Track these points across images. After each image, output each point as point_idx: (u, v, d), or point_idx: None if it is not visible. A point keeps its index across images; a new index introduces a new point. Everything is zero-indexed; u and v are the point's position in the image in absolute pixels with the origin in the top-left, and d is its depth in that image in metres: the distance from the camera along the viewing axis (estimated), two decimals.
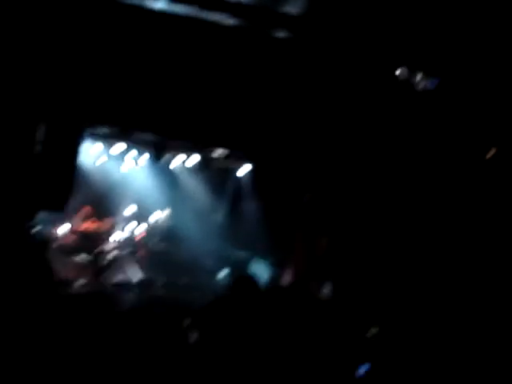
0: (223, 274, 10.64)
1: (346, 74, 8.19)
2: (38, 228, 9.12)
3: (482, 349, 6.11)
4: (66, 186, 8.42)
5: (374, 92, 8.45)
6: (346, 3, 7.05)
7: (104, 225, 11.32)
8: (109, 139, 10.93)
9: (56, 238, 10.50)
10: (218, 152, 11.15)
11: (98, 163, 11.37)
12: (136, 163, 11.65)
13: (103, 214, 11.49)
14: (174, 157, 11.62)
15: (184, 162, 11.63)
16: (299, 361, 5.32)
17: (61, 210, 8.93)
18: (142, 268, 10.79)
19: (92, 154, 11.14)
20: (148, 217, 11.73)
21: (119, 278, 10.27)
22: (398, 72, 8.02)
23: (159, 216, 11.82)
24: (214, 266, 11.04)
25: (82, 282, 9.43)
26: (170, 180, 12.01)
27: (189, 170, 11.79)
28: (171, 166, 11.76)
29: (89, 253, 10.65)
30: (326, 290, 8.90)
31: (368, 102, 8.58)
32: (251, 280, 6.01)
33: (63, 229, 10.67)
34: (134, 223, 11.60)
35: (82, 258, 10.48)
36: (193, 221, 11.65)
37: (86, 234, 11.03)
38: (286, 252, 10.47)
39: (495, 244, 7.91)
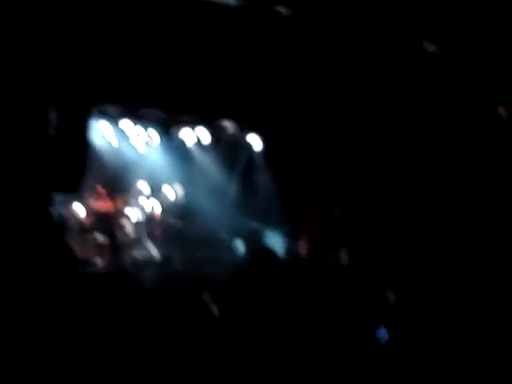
0: (239, 246, 10.71)
1: (350, 42, 8.16)
2: (54, 210, 9.19)
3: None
4: (79, 167, 8.48)
5: (376, 63, 8.42)
6: None
7: (119, 203, 11.38)
8: (120, 117, 10.96)
9: (73, 219, 10.57)
10: (229, 125, 11.17)
11: (109, 142, 11.40)
12: (147, 141, 11.67)
13: (118, 193, 11.54)
14: (185, 132, 11.64)
15: (195, 137, 11.64)
16: (321, 329, 5.39)
17: (75, 192, 9.00)
18: (159, 245, 10.87)
19: (103, 133, 11.16)
20: (162, 194, 11.76)
21: (137, 255, 10.35)
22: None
23: (173, 192, 11.85)
24: (229, 239, 11.11)
25: (100, 261, 9.55)
26: (182, 156, 12.02)
27: (200, 144, 11.80)
28: (182, 142, 11.77)
29: (106, 232, 10.73)
30: (342, 257, 8.96)
31: (371, 72, 8.56)
32: (271, 252, 6.05)
33: (79, 209, 10.74)
34: (149, 201, 11.65)
35: (99, 237, 10.55)
36: (206, 195, 11.68)
37: (102, 213, 11.09)
38: (300, 222, 10.52)
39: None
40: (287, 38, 8.19)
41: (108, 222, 10.94)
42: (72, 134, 8.42)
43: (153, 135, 11.61)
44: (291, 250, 10.10)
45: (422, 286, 7.06)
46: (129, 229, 10.89)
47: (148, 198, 11.72)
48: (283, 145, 10.92)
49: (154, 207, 11.71)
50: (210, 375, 4.76)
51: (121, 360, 4.86)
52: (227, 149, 11.94)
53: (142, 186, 11.78)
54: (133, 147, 11.68)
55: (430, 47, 7.96)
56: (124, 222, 11.03)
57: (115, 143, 11.49)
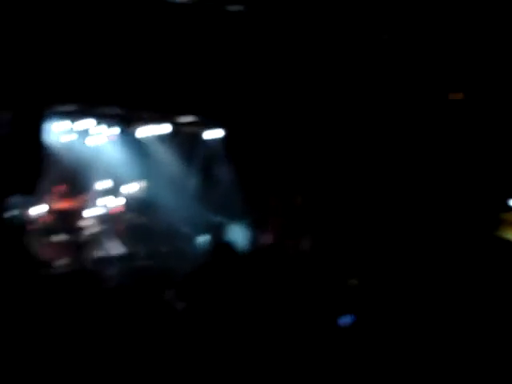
0: (202, 239, 10.72)
1: (303, 34, 8.20)
2: (12, 212, 9.09)
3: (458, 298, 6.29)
4: (35, 167, 8.37)
5: (329, 52, 8.50)
6: None
7: (79, 202, 11.30)
8: (75, 116, 10.83)
9: (32, 220, 10.47)
10: (187, 119, 11.13)
11: (66, 141, 11.28)
12: (105, 137, 11.58)
13: (78, 192, 11.45)
14: (143, 128, 11.58)
15: (153, 131, 11.59)
16: (285, 318, 5.45)
17: (33, 193, 8.89)
18: (122, 241, 10.83)
19: (60, 132, 11.04)
20: (122, 190, 11.70)
21: (100, 253, 10.30)
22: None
23: (133, 188, 11.81)
24: (192, 233, 11.11)
25: (63, 261, 9.47)
26: (141, 151, 11.97)
27: (159, 139, 11.75)
28: (140, 137, 11.71)
29: (67, 231, 10.65)
30: (305, 245, 9.03)
31: (325, 60, 8.63)
32: (229, 246, 6.10)
33: (39, 210, 10.63)
34: (109, 197, 11.59)
35: (61, 237, 10.47)
36: (167, 190, 11.66)
37: (63, 212, 11.00)
38: (262, 213, 10.56)
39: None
40: (239, 33, 8.21)
41: (69, 221, 10.86)
42: (27, 135, 8.32)
43: (111, 132, 11.53)
44: (255, 241, 10.14)
45: (383, 272, 7.18)
46: (91, 227, 10.83)
47: (109, 194, 11.66)
48: (241, 136, 10.93)
49: (116, 204, 11.66)
50: (173, 367, 4.80)
51: (88, 358, 4.86)
52: (186, 142, 11.91)
53: (103, 183, 11.71)
54: (91, 145, 11.58)
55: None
56: (85, 220, 10.96)
57: (73, 142, 11.37)
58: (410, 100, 8.68)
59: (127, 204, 11.71)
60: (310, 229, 9.59)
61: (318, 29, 7.98)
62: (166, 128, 11.40)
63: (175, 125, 11.41)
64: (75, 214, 11.06)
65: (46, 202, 10.77)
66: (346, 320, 5.71)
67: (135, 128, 11.54)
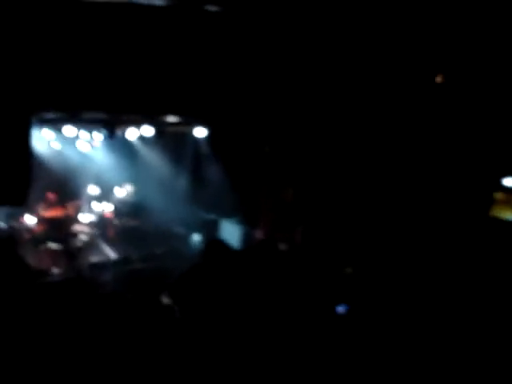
0: (195, 238, 10.73)
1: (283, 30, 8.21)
2: (2, 223, 9.08)
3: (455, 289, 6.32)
4: (23, 178, 8.34)
5: (301, 57, 8.53)
6: None
7: (70, 209, 11.28)
8: (60, 123, 10.80)
9: (24, 230, 10.45)
10: (172, 119, 11.11)
11: (53, 149, 11.26)
12: (91, 143, 11.55)
13: (68, 199, 11.44)
14: (129, 131, 11.55)
15: (139, 134, 11.56)
16: (282, 311, 5.46)
17: (22, 204, 8.86)
18: (115, 245, 10.83)
19: (45, 140, 11.02)
20: (112, 194, 11.69)
21: (94, 259, 10.29)
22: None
23: (123, 192, 11.79)
24: (185, 232, 11.12)
25: (57, 269, 9.46)
26: (129, 155, 11.97)
27: (145, 141, 11.73)
28: (127, 140, 11.69)
29: (60, 239, 10.63)
30: (297, 239, 9.05)
31: (307, 54, 8.63)
32: (222, 244, 6.09)
33: (30, 220, 10.61)
34: (100, 203, 11.58)
35: (54, 245, 10.46)
36: (157, 191, 11.66)
37: (54, 220, 10.98)
38: (254, 208, 10.56)
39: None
40: (219, 33, 8.21)
41: (61, 229, 10.85)
42: (13, 145, 8.28)
43: (97, 138, 11.50)
44: (247, 238, 10.15)
45: (377, 260, 7.19)
46: (83, 233, 10.82)
47: (99, 200, 11.65)
48: (228, 133, 10.93)
49: (107, 208, 11.64)
50: (172, 371, 4.80)
51: (86, 364, 4.87)
52: (173, 143, 11.91)
53: (92, 189, 11.69)
54: (78, 152, 11.56)
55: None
56: (77, 227, 10.95)
57: (60, 149, 11.36)
58: (399, 86, 8.69)
59: (118, 208, 11.70)
60: (302, 222, 9.61)
61: (300, 23, 7.99)
62: (150, 130, 11.38)
63: (160, 126, 11.39)
64: (67, 222, 11.05)
65: (36, 211, 10.75)
66: (341, 309, 5.73)
67: (121, 132, 11.51)
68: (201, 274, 5.88)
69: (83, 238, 10.87)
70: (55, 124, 10.77)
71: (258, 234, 10.00)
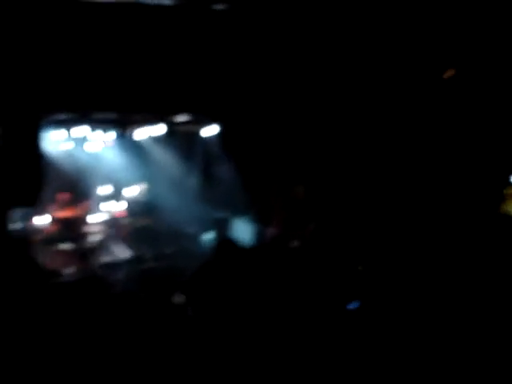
0: (207, 237, 10.72)
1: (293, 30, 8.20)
2: (15, 225, 9.11)
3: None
4: (35, 179, 8.37)
5: (310, 56, 8.51)
6: None
7: (82, 209, 11.31)
8: (71, 123, 10.84)
9: (37, 231, 10.49)
10: (183, 118, 11.13)
11: (64, 149, 11.29)
12: (103, 143, 11.58)
13: (80, 199, 11.46)
14: (140, 131, 11.58)
15: (150, 133, 11.59)
16: (293, 310, 5.46)
17: (34, 204, 8.89)
18: (128, 245, 10.84)
19: (57, 140, 11.04)
20: (124, 194, 11.71)
21: (107, 259, 10.32)
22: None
23: (135, 191, 11.81)
24: (196, 231, 11.12)
25: (70, 269, 9.49)
26: (140, 154, 11.98)
27: (156, 140, 11.75)
28: (138, 140, 11.71)
29: (72, 239, 10.67)
30: (309, 237, 9.01)
31: (319, 56, 8.63)
32: (233, 243, 6.10)
33: (43, 220, 10.65)
34: (112, 202, 11.60)
35: (67, 245, 10.49)
36: (169, 190, 11.67)
37: (66, 221, 11.01)
38: (265, 206, 10.55)
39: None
40: (227, 32, 8.21)
41: (73, 230, 10.87)
42: (25, 146, 8.32)
43: (109, 137, 11.53)
44: (260, 236, 10.13)
45: (388, 257, 7.16)
46: (95, 233, 10.85)
47: (111, 199, 11.67)
48: (239, 131, 10.92)
49: (119, 208, 11.66)
50: (184, 370, 4.80)
51: (98, 364, 4.88)
52: (184, 142, 11.92)
53: (104, 188, 11.72)
54: (89, 152, 11.59)
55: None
56: (89, 227, 10.98)
57: (71, 150, 11.39)
58: (405, 83, 8.66)
59: (130, 208, 11.71)
60: (314, 220, 9.58)
61: (311, 20, 7.97)
62: (162, 128, 11.39)
63: (171, 124, 11.40)
64: (79, 222, 11.08)
65: (49, 212, 10.78)
66: (352, 305, 5.71)
67: (132, 131, 11.54)
68: (212, 272, 5.88)
69: (95, 237, 10.90)
70: (66, 124, 10.81)
71: (270, 232, 9.99)
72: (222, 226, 10.56)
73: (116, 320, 5.47)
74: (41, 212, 10.50)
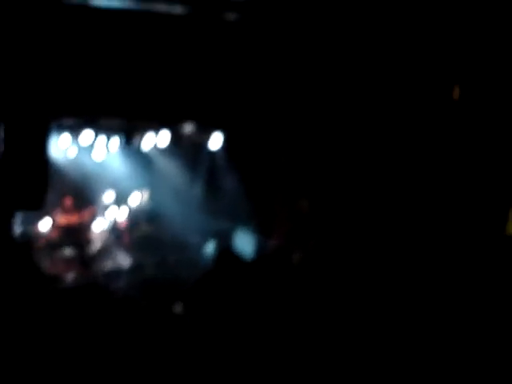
0: (209, 247, 10.71)
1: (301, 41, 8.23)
2: (18, 229, 9.11)
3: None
4: (40, 183, 8.38)
5: (320, 66, 8.53)
6: None
7: (85, 215, 11.31)
8: (77, 129, 10.86)
9: (39, 236, 10.49)
10: (189, 127, 11.15)
11: (69, 155, 11.30)
12: (108, 150, 11.59)
13: (83, 205, 11.48)
14: (146, 138, 11.58)
15: (156, 141, 11.59)
16: (291, 323, 5.45)
17: (38, 208, 8.90)
18: (130, 253, 10.84)
19: (62, 145, 11.05)
20: (128, 201, 11.72)
21: (108, 266, 10.31)
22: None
23: (139, 199, 11.82)
24: (199, 241, 11.11)
25: (71, 275, 9.48)
26: (145, 161, 12.00)
27: (162, 148, 11.75)
28: (143, 148, 11.72)
29: (75, 245, 10.67)
30: (311, 251, 9.01)
31: (325, 66, 8.65)
32: (234, 253, 6.10)
33: (45, 225, 10.65)
34: (115, 209, 11.60)
35: (69, 251, 10.49)
36: (172, 199, 11.67)
37: (69, 226, 11.02)
38: (268, 218, 10.55)
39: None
40: (237, 41, 8.25)
41: (76, 235, 10.89)
42: (31, 150, 8.33)
43: (113, 144, 11.54)
44: (261, 248, 10.12)
45: (390, 276, 7.14)
46: (97, 240, 10.85)
47: (114, 206, 11.67)
48: (245, 141, 10.95)
49: (122, 215, 11.67)
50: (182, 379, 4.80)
51: (97, 371, 4.87)
52: (189, 150, 11.93)
53: (108, 195, 11.72)
54: (94, 158, 11.60)
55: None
56: (91, 233, 10.98)
57: (76, 155, 11.40)
58: (412, 98, 8.67)
59: (133, 215, 11.72)
60: (317, 234, 9.57)
61: (315, 31, 8.00)
62: (167, 137, 11.40)
63: (177, 133, 11.42)
64: (82, 228, 11.09)
65: (52, 217, 10.79)
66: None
67: (137, 139, 11.55)
68: (212, 283, 5.88)
69: (98, 244, 10.90)
70: (73, 130, 10.82)
71: (272, 245, 9.98)
72: (224, 237, 10.55)
73: (116, 327, 5.47)
74: (44, 217, 10.51)
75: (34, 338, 5.08)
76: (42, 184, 8.52)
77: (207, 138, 11.49)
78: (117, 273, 9.95)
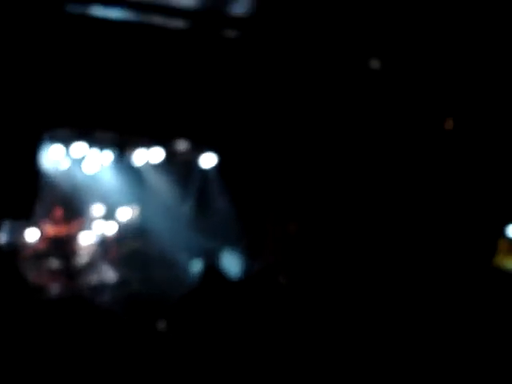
0: (196, 265, 10.68)
1: (299, 61, 8.27)
2: (3, 237, 9.07)
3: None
4: (29, 192, 8.35)
5: (320, 85, 8.57)
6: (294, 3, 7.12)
7: (73, 227, 11.26)
8: (70, 140, 10.84)
9: (26, 245, 10.43)
10: (182, 145, 11.17)
11: (61, 166, 11.27)
12: (99, 163, 11.57)
13: (72, 217, 11.42)
14: (138, 153, 11.58)
15: (148, 157, 11.59)
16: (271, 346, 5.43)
17: (27, 218, 8.86)
18: (116, 267, 10.78)
19: (54, 157, 11.03)
20: (117, 215, 11.68)
21: (94, 279, 10.25)
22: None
23: (128, 214, 11.78)
24: (186, 258, 11.08)
25: (57, 287, 9.43)
26: (136, 177, 11.96)
27: (153, 165, 11.75)
28: (135, 163, 11.71)
29: (61, 257, 10.61)
30: (298, 272, 9.00)
31: (313, 94, 8.69)
32: (219, 272, 6.09)
33: (32, 235, 10.59)
34: (104, 223, 11.56)
35: (55, 262, 10.43)
36: (162, 216, 11.65)
37: (57, 238, 10.96)
38: (256, 239, 10.54)
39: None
40: (236, 58, 8.27)
41: (63, 247, 10.82)
42: (21, 160, 8.31)
43: (106, 157, 11.52)
44: (247, 268, 10.11)
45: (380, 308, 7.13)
46: (84, 252, 10.80)
47: (103, 220, 11.63)
48: (237, 162, 10.96)
49: (110, 229, 11.62)
50: None
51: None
52: (181, 168, 11.93)
53: (97, 208, 11.68)
54: (85, 170, 11.57)
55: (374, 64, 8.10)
56: (79, 245, 10.93)
57: (68, 166, 11.37)
58: (406, 126, 8.71)
59: (121, 230, 11.67)
60: (305, 256, 9.56)
61: (316, 53, 8.04)
62: (159, 153, 11.41)
63: (169, 150, 11.43)
64: (69, 240, 11.02)
65: (40, 228, 10.74)
66: None
67: (129, 153, 11.55)
68: (196, 301, 5.86)
69: (85, 257, 10.84)
70: (66, 141, 10.81)
71: (259, 265, 9.95)
72: (211, 256, 10.52)
73: (98, 341, 5.44)
74: (32, 226, 10.46)
75: (16, 348, 5.04)
76: (31, 194, 8.49)
77: (199, 156, 11.51)
78: (102, 286, 9.90)
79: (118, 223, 11.68)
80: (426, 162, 8.52)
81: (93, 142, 11.04)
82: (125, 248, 11.52)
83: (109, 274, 10.55)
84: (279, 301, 6.02)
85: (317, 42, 7.87)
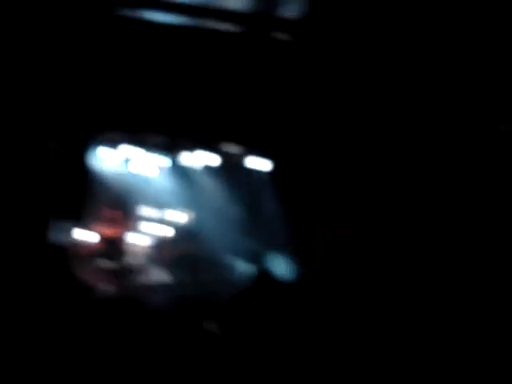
0: (246, 268, 10.70)
1: (349, 69, 8.19)
2: (57, 236, 9.21)
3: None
4: (81, 194, 8.49)
5: (374, 90, 8.46)
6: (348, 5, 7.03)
7: (126, 229, 11.40)
8: (122, 143, 10.99)
9: (78, 245, 10.60)
10: (234, 149, 11.20)
11: (114, 168, 11.42)
12: (152, 165, 11.69)
13: (125, 218, 11.57)
14: (190, 156, 11.66)
15: (200, 161, 11.66)
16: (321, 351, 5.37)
17: (79, 218, 9.01)
18: (167, 269, 10.86)
19: (108, 159, 11.19)
20: (169, 218, 11.78)
21: (145, 281, 10.34)
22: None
23: (180, 217, 11.87)
24: (236, 262, 11.09)
25: (108, 287, 9.53)
26: (188, 180, 12.04)
27: (205, 168, 11.81)
28: (188, 166, 11.79)
29: (113, 257, 10.75)
30: (349, 278, 8.87)
31: (368, 99, 8.59)
32: (271, 276, 6.06)
33: (86, 235, 10.76)
34: (156, 225, 11.67)
35: (107, 263, 10.57)
36: (213, 219, 11.68)
37: (109, 238, 11.12)
38: (307, 243, 10.47)
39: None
40: (288, 62, 8.24)
41: (115, 248, 10.97)
42: (74, 162, 8.46)
43: (158, 160, 11.64)
44: (298, 272, 10.05)
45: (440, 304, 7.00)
46: (136, 254, 10.91)
47: (156, 222, 11.74)
48: (288, 164, 10.93)
49: (162, 232, 11.72)
50: None
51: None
52: (233, 171, 11.94)
53: (150, 210, 11.80)
54: (139, 173, 11.71)
55: None
56: (131, 246, 11.05)
57: (121, 169, 11.52)
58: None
59: (174, 232, 11.76)
60: (357, 262, 9.43)
61: (367, 55, 7.95)
62: (213, 157, 11.46)
63: (222, 154, 11.47)
64: (122, 241, 11.16)
65: (92, 228, 10.90)
66: None
67: (182, 157, 11.63)
68: (249, 304, 5.84)
69: (136, 258, 10.95)
70: (117, 144, 10.96)
71: (309, 269, 9.90)
72: (261, 259, 10.53)
73: (149, 342, 5.47)
74: (85, 227, 10.62)
75: (62, 343, 5.10)
76: (83, 195, 8.64)
77: (251, 160, 11.51)
78: (153, 288, 9.97)
79: (171, 226, 11.77)
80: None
81: (146, 145, 11.17)
82: (177, 250, 11.60)
83: (160, 276, 10.63)
84: (330, 306, 5.96)
85: (370, 44, 7.77)
